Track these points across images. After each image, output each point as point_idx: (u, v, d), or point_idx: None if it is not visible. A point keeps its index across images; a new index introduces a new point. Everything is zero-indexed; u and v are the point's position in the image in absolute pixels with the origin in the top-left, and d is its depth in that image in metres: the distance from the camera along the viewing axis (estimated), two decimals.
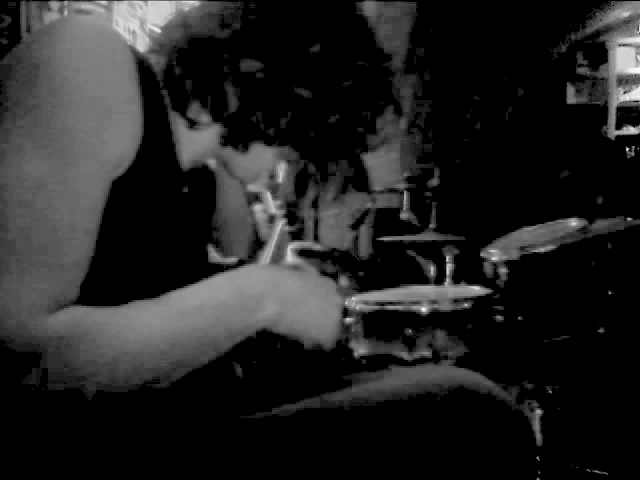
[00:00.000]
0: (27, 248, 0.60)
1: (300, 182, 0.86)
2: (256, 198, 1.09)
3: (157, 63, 0.79)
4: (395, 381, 0.81)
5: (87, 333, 0.61)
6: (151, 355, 0.64)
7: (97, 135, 0.65)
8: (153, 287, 0.69)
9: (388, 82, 0.84)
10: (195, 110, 0.78)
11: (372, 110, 0.83)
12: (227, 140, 0.80)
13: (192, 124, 0.79)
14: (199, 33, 0.78)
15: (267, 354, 0.90)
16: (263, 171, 0.88)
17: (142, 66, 0.73)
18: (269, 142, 0.80)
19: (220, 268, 1.00)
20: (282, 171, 0.91)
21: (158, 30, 0.83)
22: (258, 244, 1.09)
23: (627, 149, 3.71)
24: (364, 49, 0.81)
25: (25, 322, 0.58)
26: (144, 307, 0.66)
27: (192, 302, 0.68)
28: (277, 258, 1.06)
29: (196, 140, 0.81)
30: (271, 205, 1.09)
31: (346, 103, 0.79)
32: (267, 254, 1.05)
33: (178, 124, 0.79)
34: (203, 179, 0.91)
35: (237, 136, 0.80)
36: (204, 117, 0.79)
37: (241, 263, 1.05)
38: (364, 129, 0.83)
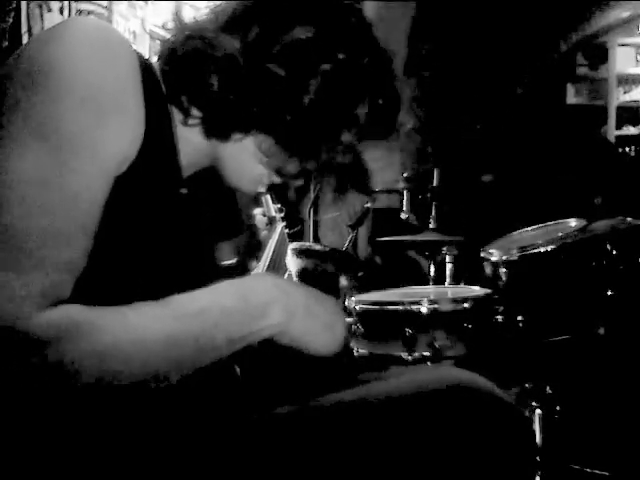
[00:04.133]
0: (23, 244, 0.61)
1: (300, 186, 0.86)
2: (256, 201, 1.09)
3: (159, 66, 0.80)
4: (394, 382, 0.81)
5: (80, 330, 0.61)
6: (145, 356, 0.64)
7: (98, 134, 0.65)
8: (152, 287, 0.69)
9: (370, 74, 0.82)
10: (186, 105, 0.79)
11: (352, 98, 0.81)
12: (209, 130, 0.80)
13: (185, 117, 0.79)
14: (189, 27, 0.79)
15: (266, 355, 0.90)
16: (257, 177, 0.86)
17: (145, 68, 0.74)
18: (246, 129, 0.80)
19: (220, 270, 1.00)
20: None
21: (159, 31, 0.84)
22: (257, 247, 1.09)
23: (627, 149, 3.72)
24: (345, 37, 0.80)
25: (18, 316, 0.59)
26: (143, 308, 0.66)
27: (193, 306, 0.68)
28: (277, 261, 1.06)
29: (193, 142, 0.81)
30: (271, 208, 1.09)
31: (323, 88, 0.78)
32: (267, 257, 1.05)
33: (179, 126, 0.80)
34: (207, 183, 0.91)
35: (217, 124, 0.80)
36: (194, 111, 0.79)
37: (240, 264, 1.05)
38: (344, 121, 0.81)
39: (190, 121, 0.79)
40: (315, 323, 0.76)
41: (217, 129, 0.80)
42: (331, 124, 0.80)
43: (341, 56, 0.78)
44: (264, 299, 0.72)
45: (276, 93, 0.76)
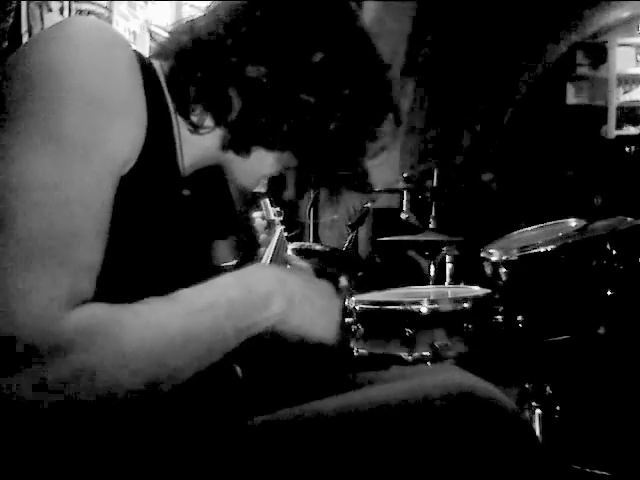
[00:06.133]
0: (43, 247, 0.61)
1: (300, 187, 0.87)
2: (254, 204, 1.09)
3: (161, 67, 0.79)
4: (394, 386, 0.81)
5: (107, 328, 0.61)
6: (168, 352, 0.64)
7: (104, 135, 0.65)
8: (154, 288, 0.69)
9: (388, 91, 0.85)
10: (198, 114, 0.79)
11: (372, 118, 0.83)
12: (229, 144, 0.81)
13: (195, 128, 0.79)
14: (204, 37, 0.79)
15: (267, 354, 0.91)
16: (263, 177, 0.88)
17: (145, 69, 0.74)
18: (271, 147, 0.81)
19: (220, 270, 1.00)
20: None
21: (160, 32, 0.83)
22: (256, 250, 1.09)
23: (627, 149, 3.72)
24: (364, 58, 0.82)
25: (46, 318, 0.59)
26: (159, 304, 0.66)
27: (203, 300, 0.69)
28: (276, 264, 1.06)
29: (198, 144, 0.82)
30: (270, 211, 1.09)
31: (346, 110, 0.80)
32: (266, 260, 1.05)
33: (181, 128, 0.80)
34: (208, 183, 0.91)
35: (239, 140, 0.81)
36: (207, 121, 0.79)
37: (240, 266, 1.05)
38: (364, 136, 0.84)
39: (202, 131, 0.80)
40: (312, 309, 0.77)
41: (239, 146, 0.81)
42: (354, 140, 0.83)
43: (357, 74, 0.80)
44: (266, 289, 0.73)
45: (305, 118, 0.78)
